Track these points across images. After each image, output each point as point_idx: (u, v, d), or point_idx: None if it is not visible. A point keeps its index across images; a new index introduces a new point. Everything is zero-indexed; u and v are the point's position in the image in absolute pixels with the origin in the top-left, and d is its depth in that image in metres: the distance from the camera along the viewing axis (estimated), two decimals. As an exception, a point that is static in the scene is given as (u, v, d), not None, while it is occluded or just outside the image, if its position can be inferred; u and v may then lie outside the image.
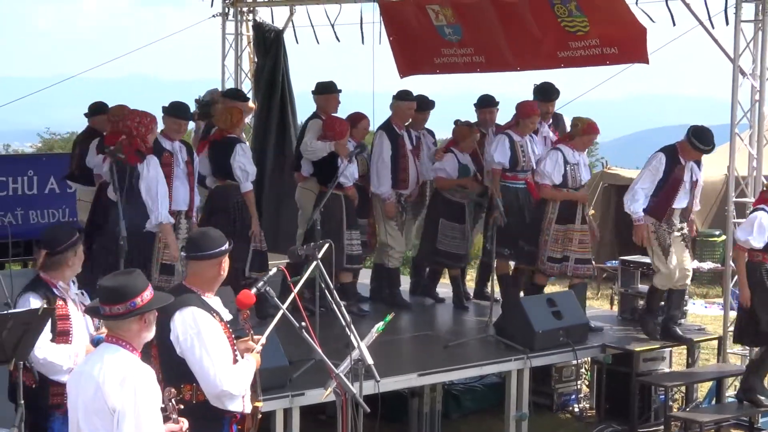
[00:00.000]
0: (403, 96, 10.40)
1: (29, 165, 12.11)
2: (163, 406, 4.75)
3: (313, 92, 10.36)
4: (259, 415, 5.70)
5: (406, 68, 12.44)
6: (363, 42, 12.51)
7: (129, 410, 4.48)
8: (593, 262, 10.05)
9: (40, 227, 11.06)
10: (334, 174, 9.46)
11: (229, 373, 5.27)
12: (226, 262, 5.52)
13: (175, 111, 8.95)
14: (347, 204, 9.74)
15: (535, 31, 11.07)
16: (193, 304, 5.26)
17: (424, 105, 10.64)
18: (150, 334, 4.75)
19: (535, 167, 9.92)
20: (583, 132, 9.63)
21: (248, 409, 5.48)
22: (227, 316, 5.52)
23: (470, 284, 11.30)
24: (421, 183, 10.59)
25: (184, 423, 4.85)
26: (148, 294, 4.69)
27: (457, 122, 10.39)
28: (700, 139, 8.99)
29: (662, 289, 9.33)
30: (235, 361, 5.39)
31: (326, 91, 10.30)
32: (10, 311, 5.86)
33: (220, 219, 8.91)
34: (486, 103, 10.79)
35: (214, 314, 5.39)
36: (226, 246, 5.49)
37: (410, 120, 10.49)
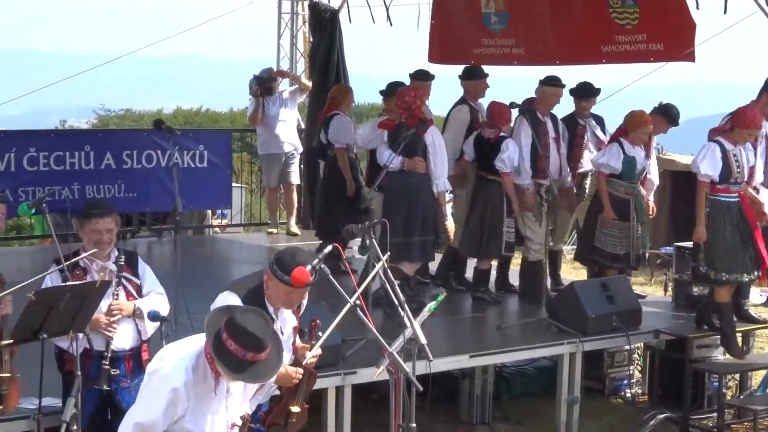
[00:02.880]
0: (550, 81, 9.92)
1: (86, 140, 12.15)
2: None
3: (461, 77, 10.33)
4: (293, 419, 5.75)
5: (438, 55, 12.39)
6: (418, 28, 12.55)
7: None
8: None
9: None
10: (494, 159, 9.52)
11: None
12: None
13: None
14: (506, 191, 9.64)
15: (582, 22, 11.00)
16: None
17: (590, 92, 10.21)
18: None
19: (747, 178, 9.05)
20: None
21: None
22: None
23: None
24: (579, 174, 10.18)
25: None
26: None
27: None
28: None
29: None
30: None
31: (476, 76, 10.27)
32: (68, 283, 5.96)
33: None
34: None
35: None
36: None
37: (554, 106, 10.00)
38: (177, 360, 4.80)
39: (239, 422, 4.88)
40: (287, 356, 5.72)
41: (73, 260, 6.06)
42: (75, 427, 5.47)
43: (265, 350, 4.71)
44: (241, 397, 5.01)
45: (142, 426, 4.74)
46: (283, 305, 5.59)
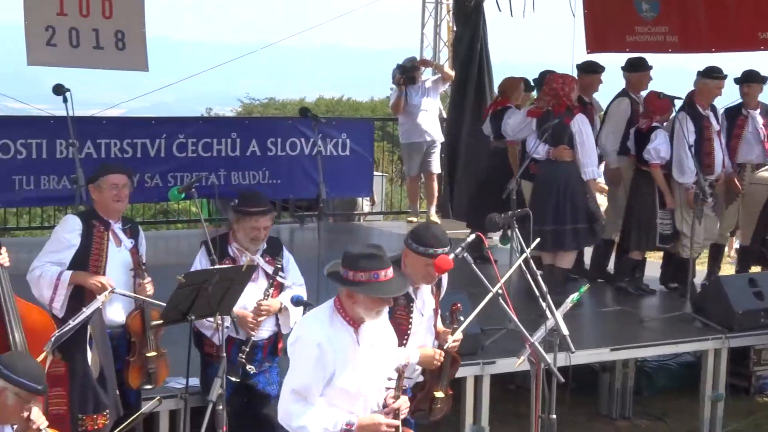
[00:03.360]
0: (710, 73, 9.52)
1: (232, 128, 12.40)
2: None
3: (624, 69, 10.17)
4: (438, 405, 5.76)
5: (595, 44, 12.22)
6: (574, 14, 12.35)
7: None
8: None
9: (242, 188, 11.36)
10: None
11: None
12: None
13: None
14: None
15: (736, 9, 10.73)
16: None
17: (754, 77, 9.82)
18: None
19: None
20: None
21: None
22: None
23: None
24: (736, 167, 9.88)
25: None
26: None
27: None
28: None
29: None
30: None
31: (640, 69, 10.10)
32: (216, 267, 6.10)
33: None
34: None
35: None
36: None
37: (715, 98, 9.68)
38: (312, 321, 4.93)
39: (394, 375, 4.91)
40: (429, 338, 5.74)
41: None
42: (220, 407, 5.60)
43: (389, 266, 4.84)
44: (386, 352, 5.03)
45: (297, 392, 4.81)
46: (423, 280, 5.60)
